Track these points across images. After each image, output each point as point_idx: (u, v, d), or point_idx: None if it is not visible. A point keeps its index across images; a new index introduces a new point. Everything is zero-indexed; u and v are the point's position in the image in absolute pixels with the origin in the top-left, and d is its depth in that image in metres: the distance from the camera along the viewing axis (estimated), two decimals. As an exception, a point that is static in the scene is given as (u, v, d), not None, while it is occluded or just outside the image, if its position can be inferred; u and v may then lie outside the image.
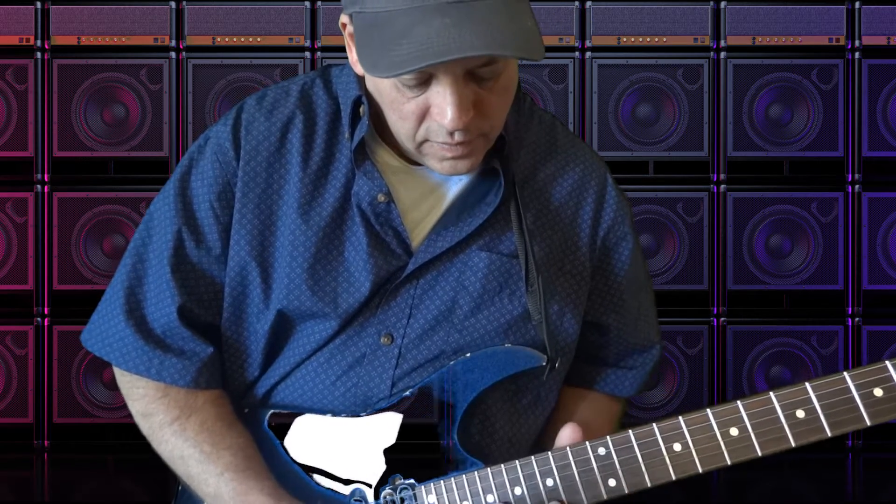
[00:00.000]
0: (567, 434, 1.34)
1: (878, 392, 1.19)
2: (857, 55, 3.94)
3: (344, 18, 1.43)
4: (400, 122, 1.41)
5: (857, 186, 3.94)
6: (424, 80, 1.34)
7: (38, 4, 3.93)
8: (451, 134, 1.37)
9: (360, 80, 1.50)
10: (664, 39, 3.96)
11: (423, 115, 1.38)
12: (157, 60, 3.96)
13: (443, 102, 1.34)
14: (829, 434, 1.21)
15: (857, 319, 3.94)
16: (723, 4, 3.95)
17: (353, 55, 1.46)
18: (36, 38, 3.93)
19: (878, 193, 3.95)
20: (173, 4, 3.94)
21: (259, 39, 3.95)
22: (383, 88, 1.39)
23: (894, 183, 3.96)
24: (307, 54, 3.93)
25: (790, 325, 3.95)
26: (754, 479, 3.42)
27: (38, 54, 3.94)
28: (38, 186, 3.93)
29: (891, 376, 1.19)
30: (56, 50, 3.95)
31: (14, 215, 3.92)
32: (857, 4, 3.93)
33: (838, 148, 3.95)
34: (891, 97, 3.94)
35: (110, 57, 3.95)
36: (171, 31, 3.95)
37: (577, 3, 3.96)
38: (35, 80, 3.94)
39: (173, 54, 3.95)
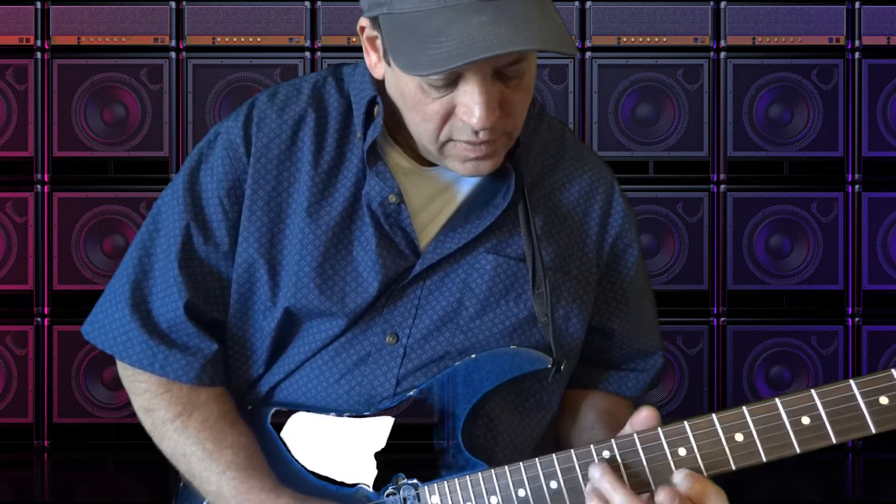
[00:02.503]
0: (644, 416, 1.29)
1: (883, 400, 1.19)
2: (857, 55, 3.94)
3: (364, 22, 1.43)
4: (423, 123, 1.40)
5: (857, 186, 3.94)
6: (452, 80, 1.34)
7: (38, 4, 3.93)
8: (477, 133, 1.37)
9: (376, 81, 1.50)
10: (664, 39, 3.96)
11: (448, 115, 1.38)
12: (157, 60, 3.96)
13: (471, 102, 1.34)
14: (835, 441, 1.20)
15: (857, 319, 3.94)
16: (723, 4, 3.95)
17: (370, 59, 1.46)
18: (36, 38, 3.93)
19: (878, 193, 3.96)
20: (173, 4, 3.94)
21: (259, 39, 3.95)
22: (407, 90, 1.39)
23: (894, 183, 3.96)
24: (307, 54, 3.93)
25: (790, 325, 3.95)
26: (754, 478, 3.43)
27: (38, 54, 3.93)
28: (38, 186, 3.93)
29: (897, 384, 1.19)
30: (56, 50, 3.94)
31: (14, 215, 3.91)
32: (857, 4, 3.93)
33: (838, 148, 3.95)
34: (891, 97, 3.94)
35: (110, 57, 3.95)
36: (171, 31, 3.95)
37: (577, 3, 3.96)
38: (35, 80, 3.94)
39: (173, 54, 3.95)
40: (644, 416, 1.31)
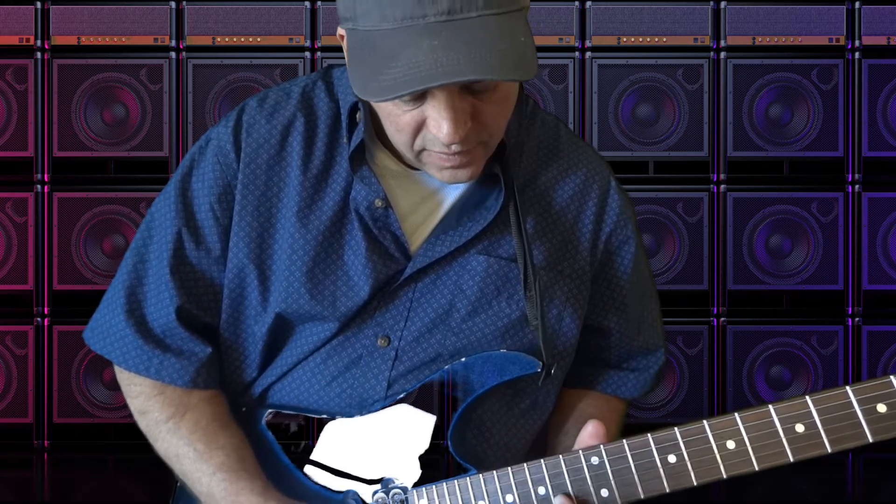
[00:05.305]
0: (590, 431, 1.33)
1: (881, 408, 1.16)
2: (857, 55, 3.93)
3: (341, 31, 1.42)
4: (397, 133, 1.40)
5: (857, 186, 3.94)
6: (420, 96, 1.33)
7: (38, 4, 3.93)
8: (449, 147, 1.36)
9: None
10: (664, 39, 3.95)
11: (420, 127, 1.37)
12: (157, 60, 3.95)
13: (438, 117, 1.33)
14: (830, 450, 1.18)
15: (857, 319, 3.94)
16: (723, 4, 3.94)
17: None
18: (36, 38, 3.93)
19: (878, 193, 3.95)
20: (173, 4, 3.94)
21: (259, 39, 3.94)
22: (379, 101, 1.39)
23: (894, 183, 3.96)
24: (307, 54, 3.93)
25: (790, 325, 3.94)
26: (754, 478, 3.42)
27: (38, 54, 3.93)
28: (38, 186, 3.93)
29: (895, 392, 1.16)
30: (56, 50, 3.94)
31: (14, 215, 3.91)
32: (857, 4, 3.92)
33: (838, 148, 3.95)
34: (891, 97, 3.93)
35: (110, 57, 3.95)
36: (171, 31, 3.94)
37: (577, 3, 3.95)
38: (35, 80, 3.93)
39: (173, 54, 3.95)
40: (590, 432, 1.33)
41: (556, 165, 1.58)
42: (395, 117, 1.37)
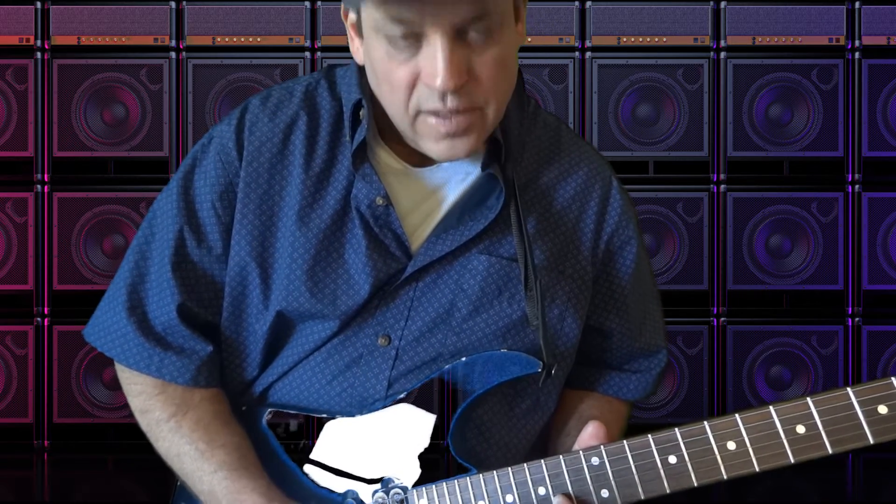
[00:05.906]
0: (590, 432, 1.33)
1: (882, 409, 1.16)
2: (857, 55, 3.93)
3: (345, 8, 1.43)
4: (392, 94, 1.39)
5: (857, 186, 3.94)
6: (415, 39, 1.34)
7: (38, 4, 3.93)
8: (444, 100, 1.35)
9: (361, 80, 1.50)
10: (664, 39, 3.96)
11: (415, 82, 1.36)
12: (157, 60, 3.96)
13: (433, 62, 1.33)
14: (830, 451, 1.18)
15: (857, 319, 3.94)
16: (723, 4, 3.94)
17: (353, 45, 1.46)
18: (36, 38, 3.93)
19: (878, 193, 3.95)
20: (173, 4, 3.94)
21: (259, 39, 3.94)
22: (376, 57, 1.39)
23: (894, 183, 3.96)
24: (307, 54, 3.93)
25: (790, 325, 3.94)
26: (754, 478, 3.41)
27: (38, 54, 3.93)
28: (38, 186, 3.93)
29: (896, 393, 1.16)
30: (56, 50, 3.94)
31: (14, 215, 3.91)
32: (857, 4, 3.92)
33: (838, 148, 3.95)
34: (891, 97, 3.93)
35: (110, 57, 3.95)
36: (171, 31, 3.95)
37: (577, 3, 3.95)
38: (35, 80, 3.94)
39: (173, 54, 3.95)
40: (590, 433, 1.33)
41: (557, 165, 1.58)
42: (391, 74, 1.37)
